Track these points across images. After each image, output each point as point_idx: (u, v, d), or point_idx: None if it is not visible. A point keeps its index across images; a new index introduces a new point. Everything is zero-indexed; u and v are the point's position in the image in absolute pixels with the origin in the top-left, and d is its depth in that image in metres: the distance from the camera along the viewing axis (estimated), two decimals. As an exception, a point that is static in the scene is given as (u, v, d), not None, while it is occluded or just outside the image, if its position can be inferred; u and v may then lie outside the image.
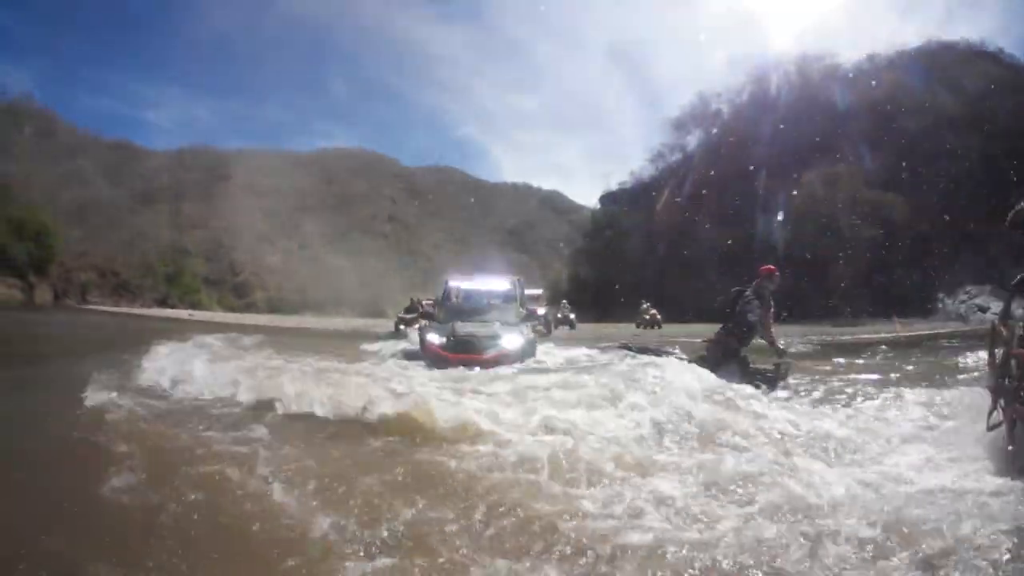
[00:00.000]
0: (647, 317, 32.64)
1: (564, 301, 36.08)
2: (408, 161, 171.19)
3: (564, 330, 28.77)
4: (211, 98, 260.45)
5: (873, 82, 46.14)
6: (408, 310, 25.01)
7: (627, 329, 32.01)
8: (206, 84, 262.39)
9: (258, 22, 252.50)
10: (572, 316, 32.19)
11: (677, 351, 9.80)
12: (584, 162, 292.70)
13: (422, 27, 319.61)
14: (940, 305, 33.14)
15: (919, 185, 39.84)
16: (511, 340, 11.72)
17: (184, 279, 73.21)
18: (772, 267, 8.15)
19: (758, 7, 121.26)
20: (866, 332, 26.74)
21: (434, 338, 11.95)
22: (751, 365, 8.14)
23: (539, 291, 26.69)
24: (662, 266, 51.96)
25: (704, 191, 51.87)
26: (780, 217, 43.99)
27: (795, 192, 43.16)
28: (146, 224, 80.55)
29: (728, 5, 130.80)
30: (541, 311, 28.34)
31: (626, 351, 10.60)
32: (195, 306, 65.18)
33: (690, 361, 8.67)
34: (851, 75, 49.47)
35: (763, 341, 8.17)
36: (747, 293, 8.00)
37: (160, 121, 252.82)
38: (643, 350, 10.16)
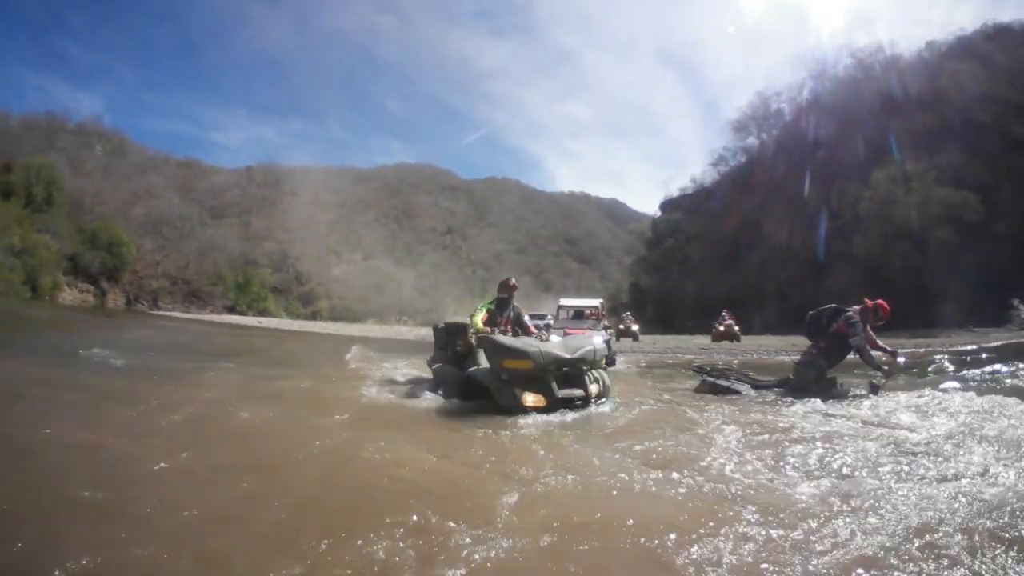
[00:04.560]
0: (722, 329, 28.52)
1: (627, 312, 34.53)
2: (466, 174, 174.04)
3: (627, 342, 26.48)
4: (276, 119, 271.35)
5: (934, 71, 44.25)
6: (451, 334, 9.12)
7: (694, 342, 28.30)
8: (270, 106, 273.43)
9: (317, 46, 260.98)
10: (635, 328, 30.09)
11: (748, 389, 8.43)
12: (642, 169, 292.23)
13: (473, 42, 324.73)
14: (1014, 312, 30.51)
15: (992, 181, 37.72)
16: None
17: (252, 288, 75.34)
18: (887, 306, 7.53)
19: (807, 0, 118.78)
20: (941, 343, 23.42)
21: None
22: (840, 386, 7.54)
23: (598, 301, 24.24)
24: (727, 275, 50.47)
25: (769, 195, 50.54)
26: (848, 220, 42.20)
27: (865, 194, 41.20)
28: (216, 236, 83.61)
29: (778, 1, 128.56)
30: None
31: (702, 375, 9.51)
32: (263, 313, 67.09)
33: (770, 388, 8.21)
34: (912, 65, 47.63)
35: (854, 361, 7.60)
36: (850, 316, 7.39)
37: (228, 141, 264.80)
38: (718, 379, 8.88)
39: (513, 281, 7.89)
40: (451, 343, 8.08)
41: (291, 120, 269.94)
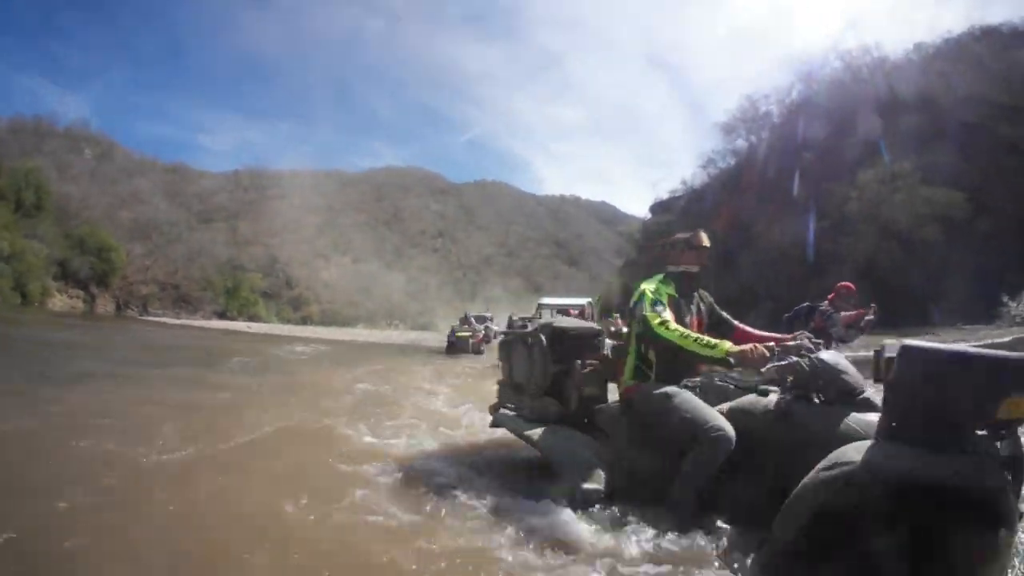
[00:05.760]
0: None
1: (616, 315, 34.18)
2: (455, 177, 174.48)
3: None
4: (263, 122, 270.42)
5: (923, 73, 44.54)
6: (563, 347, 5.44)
7: None
8: (258, 109, 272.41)
9: (306, 49, 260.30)
10: (625, 330, 29.21)
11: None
12: (632, 171, 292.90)
13: (462, 47, 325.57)
14: (1004, 309, 30.66)
15: (980, 181, 38.08)
16: None
17: (242, 293, 75.39)
18: (849, 284, 7.58)
19: (796, 2, 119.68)
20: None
21: None
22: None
23: (585, 301, 21.63)
24: (718, 277, 50.37)
25: (759, 197, 50.58)
26: (836, 221, 42.35)
27: (852, 194, 41.50)
28: (205, 241, 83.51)
29: (766, 3, 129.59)
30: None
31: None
32: (253, 319, 66.80)
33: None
34: (900, 67, 47.93)
35: None
36: (824, 308, 7.35)
37: (215, 144, 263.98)
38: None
39: (703, 239, 3.68)
40: (560, 371, 3.97)
41: (279, 123, 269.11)
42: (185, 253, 75.44)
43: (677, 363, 3.35)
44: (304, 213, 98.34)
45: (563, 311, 19.02)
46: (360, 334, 42.41)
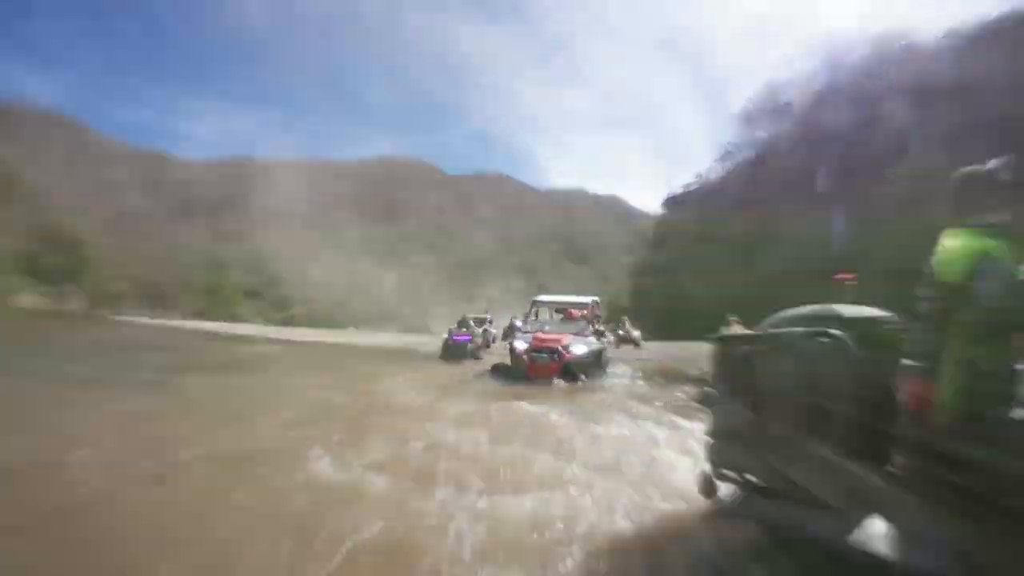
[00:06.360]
0: None
1: (624, 316, 31.93)
2: (454, 169, 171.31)
3: (628, 349, 24.42)
4: (250, 109, 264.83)
5: (957, 59, 43.04)
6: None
7: (703, 347, 25.11)
8: (245, 95, 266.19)
9: (297, 32, 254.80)
10: (636, 333, 28.02)
11: None
12: (643, 164, 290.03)
13: (463, 29, 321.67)
14: None
15: (1020, 174, 35.45)
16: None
17: (224, 291, 73.99)
18: (844, 275, 6.85)
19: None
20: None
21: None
22: None
23: (590, 300, 18.56)
24: (737, 276, 48.42)
25: (781, 191, 48.93)
26: (863, 215, 40.71)
27: (881, 188, 40.06)
28: (184, 235, 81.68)
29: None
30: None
31: (703, 387, 8.86)
32: (235, 319, 64.62)
33: None
34: (931, 53, 46.48)
35: None
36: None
37: (198, 132, 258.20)
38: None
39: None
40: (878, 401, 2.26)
41: (267, 110, 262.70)
42: (164, 248, 74.37)
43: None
44: (292, 206, 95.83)
45: (563, 311, 17.98)
46: (351, 337, 39.79)
